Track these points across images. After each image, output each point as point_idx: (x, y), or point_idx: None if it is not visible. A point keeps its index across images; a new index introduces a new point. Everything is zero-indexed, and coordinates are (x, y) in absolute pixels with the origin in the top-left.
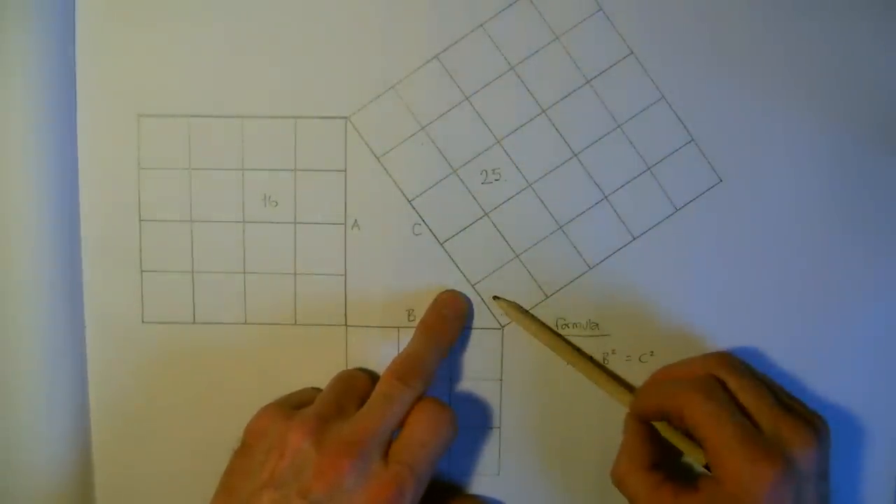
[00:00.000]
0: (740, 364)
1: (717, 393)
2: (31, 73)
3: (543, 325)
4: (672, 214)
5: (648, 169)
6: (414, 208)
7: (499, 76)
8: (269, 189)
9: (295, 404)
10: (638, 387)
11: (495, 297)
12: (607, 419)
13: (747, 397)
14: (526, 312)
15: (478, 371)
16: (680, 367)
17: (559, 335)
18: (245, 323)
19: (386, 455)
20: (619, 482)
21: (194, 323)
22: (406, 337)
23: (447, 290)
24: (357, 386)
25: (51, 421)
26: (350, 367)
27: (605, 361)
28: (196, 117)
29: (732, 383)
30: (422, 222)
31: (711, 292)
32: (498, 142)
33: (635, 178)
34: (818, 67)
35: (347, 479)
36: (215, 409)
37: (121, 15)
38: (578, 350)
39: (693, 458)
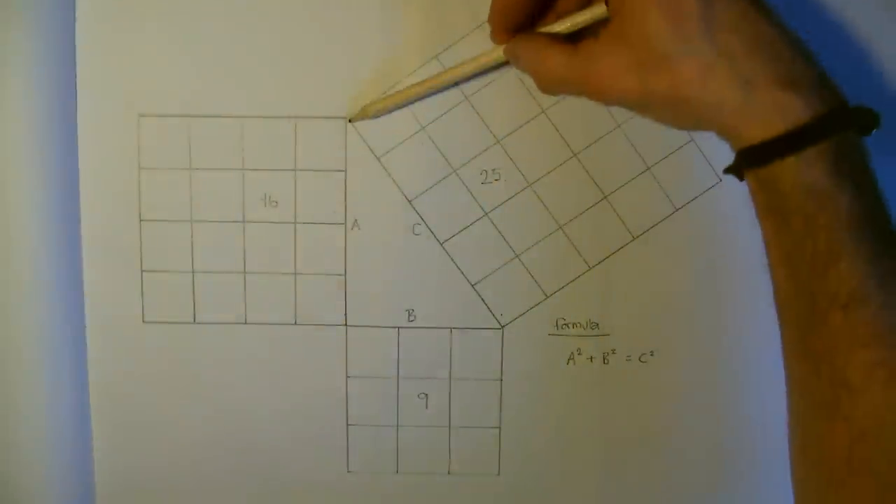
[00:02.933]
0: None
1: None
2: (31, 73)
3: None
4: (672, 214)
5: (648, 169)
6: (414, 208)
7: (499, 76)
8: (269, 189)
9: None
10: None
11: None
12: (607, 419)
13: None
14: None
15: (478, 371)
16: None
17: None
18: (245, 323)
19: None
20: (512, 53)
21: (194, 323)
22: (406, 337)
23: None
24: None
25: (51, 421)
26: (350, 367)
27: (606, 361)
28: (196, 117)
29: None
30: (422, 222)
31: (711, 292)
32: (498, 142)
33: (635, 178)
34: None
35: None
36: (215, 409)
37: (121, 15)
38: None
39: (589, 15)
